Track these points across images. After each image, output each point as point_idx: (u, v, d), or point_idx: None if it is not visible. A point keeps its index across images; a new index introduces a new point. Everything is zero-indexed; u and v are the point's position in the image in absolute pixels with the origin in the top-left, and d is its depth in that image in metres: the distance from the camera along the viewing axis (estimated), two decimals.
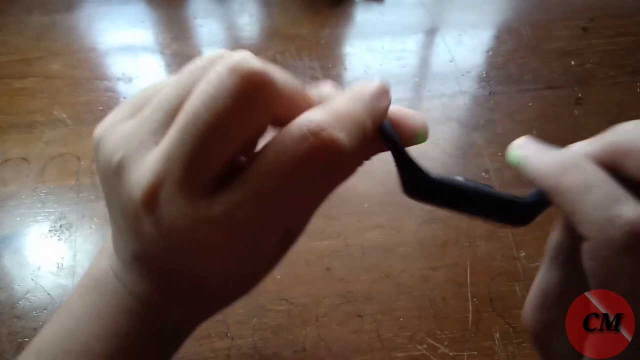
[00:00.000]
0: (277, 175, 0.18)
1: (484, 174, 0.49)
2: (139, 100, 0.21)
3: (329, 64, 0.58)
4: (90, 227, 0.45)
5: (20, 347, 0.38)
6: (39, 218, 0.45)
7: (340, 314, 0.41)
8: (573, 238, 0.20)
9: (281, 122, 0.20)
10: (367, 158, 0.22)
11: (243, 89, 0.17)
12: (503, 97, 0.56)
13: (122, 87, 0.56)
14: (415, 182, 0.21)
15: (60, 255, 0.43)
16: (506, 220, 0.21)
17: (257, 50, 0.60)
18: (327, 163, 0.18)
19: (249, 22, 0.64)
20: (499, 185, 0.48)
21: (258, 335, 0.39)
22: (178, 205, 0.18)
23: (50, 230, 0.45)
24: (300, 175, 0.19)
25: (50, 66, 0.57)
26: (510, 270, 0.43)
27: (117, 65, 0.58)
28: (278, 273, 0.42)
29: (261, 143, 0.20)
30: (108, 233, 0.23)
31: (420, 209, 0.46)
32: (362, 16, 0.65)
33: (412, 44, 0.61)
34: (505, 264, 0.43)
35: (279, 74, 0.19)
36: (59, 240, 0.44)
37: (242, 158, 0.21)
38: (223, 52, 0.19)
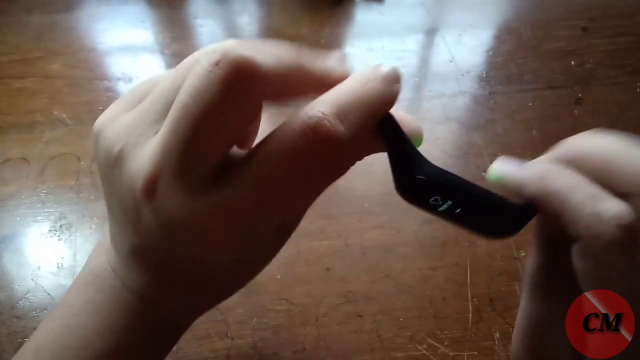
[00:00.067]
0: (275, 167, 0.19)
1: (484, 174, 0.49)
2: (138, 93, 0.21)
3: None
4: (90, 227, 0.45)
5: (20, 347, 0.38)
6: (39, 218, 0.45)
7: (340, 314, 0.41)
8: (552, 256, 0.21)
9: (282, 100, 0.20)
10: (369, 151, 0.21)
11: (227, 81, 0.17)
12: (503, 97, 0.56)
13: (122, 87, 0.56)
14: (414, 169, 0.20)
15: (60, 255, 0.43)
16: (496, 224, 0.20)
17: None
18: (325, 155, 0.19)
19: (249, 22, 0.64)
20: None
21: (258, 335, 0.39)
22: (176, 196, 0.18)
23: (50, 230, 0.45)
24: (298, 167, 0.19)
25: (50, 66, 0.57)
26: (510, 270, 0.43)
27: (117, 65, 0.58)
28: (278, 273, 0.42)
29: (256, 130, 0.20)
30: (106, 228, 0.23)
31: None
32: (362, 16, 0.65)
33: (412, 44, 0.61)
34: (505, 264, 0.43)
35: (269, 58, 0.18)
36: (59, 240, 0.44)
37: (240, 150, 0.21)
38: (217, 45, 0.19)
